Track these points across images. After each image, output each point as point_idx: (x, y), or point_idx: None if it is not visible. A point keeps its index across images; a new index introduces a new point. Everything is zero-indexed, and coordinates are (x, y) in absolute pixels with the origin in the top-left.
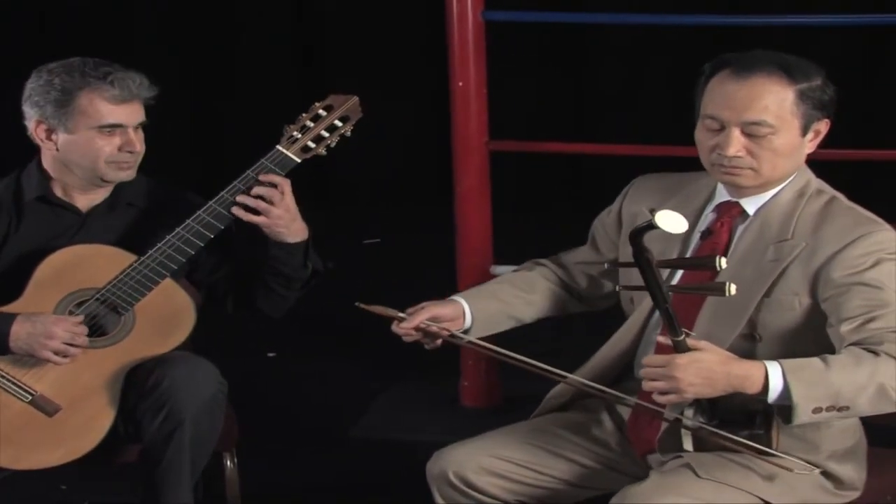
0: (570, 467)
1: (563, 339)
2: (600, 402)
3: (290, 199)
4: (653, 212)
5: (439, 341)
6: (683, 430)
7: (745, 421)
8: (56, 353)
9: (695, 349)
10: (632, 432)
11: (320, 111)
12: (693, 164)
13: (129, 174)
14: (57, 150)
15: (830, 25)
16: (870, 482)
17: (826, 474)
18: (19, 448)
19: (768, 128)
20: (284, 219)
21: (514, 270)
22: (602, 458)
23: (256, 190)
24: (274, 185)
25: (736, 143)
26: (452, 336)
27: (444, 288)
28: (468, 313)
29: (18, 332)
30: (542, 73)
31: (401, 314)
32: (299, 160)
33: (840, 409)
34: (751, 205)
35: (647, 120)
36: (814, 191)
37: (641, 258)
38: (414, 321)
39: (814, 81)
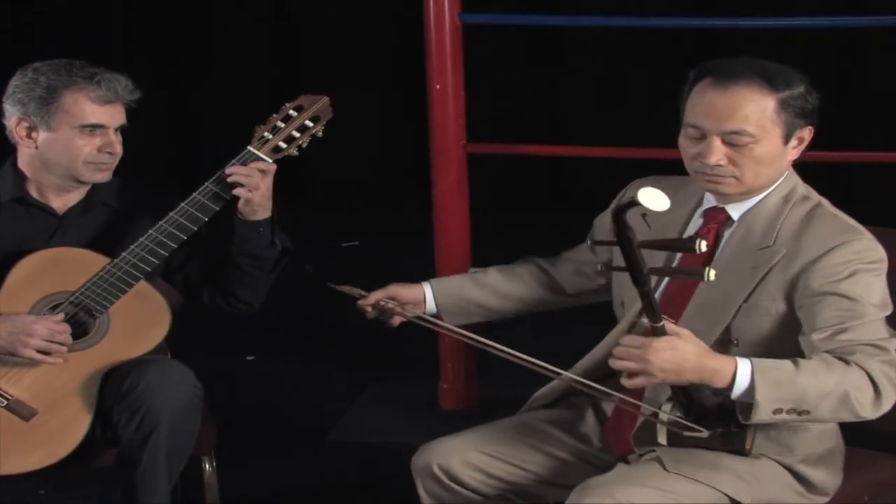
0: (552, 463)
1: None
2: (585, 400)
3: (270, 179)
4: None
5: (397, 319)
6: (658, 424)
7: (721, 419)
8: (39, 351)
9: (673, 335)
10: (611, 432)
11: (291, 111)
12: (671, 166)
13: (105, 176)
14: (36, 147)
15: (806, 28)
16: (846, 482)
17: (797, 477)
18: None
19: (749, 137)
20: (266, 196)
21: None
22: (583, 453)
23: (249, 170)
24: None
25: (717, 153)
26: (420, 318)
27: None
28: (430, 299)
29: None
30: (520, 76)
31: (363, 293)
32: (270, 161)
33: (801, 413)
34: (736, 210)
35: (625, 122)
36: (799, 197)
37: (623, 237)
38: (371, 298)
39: (795, 89)
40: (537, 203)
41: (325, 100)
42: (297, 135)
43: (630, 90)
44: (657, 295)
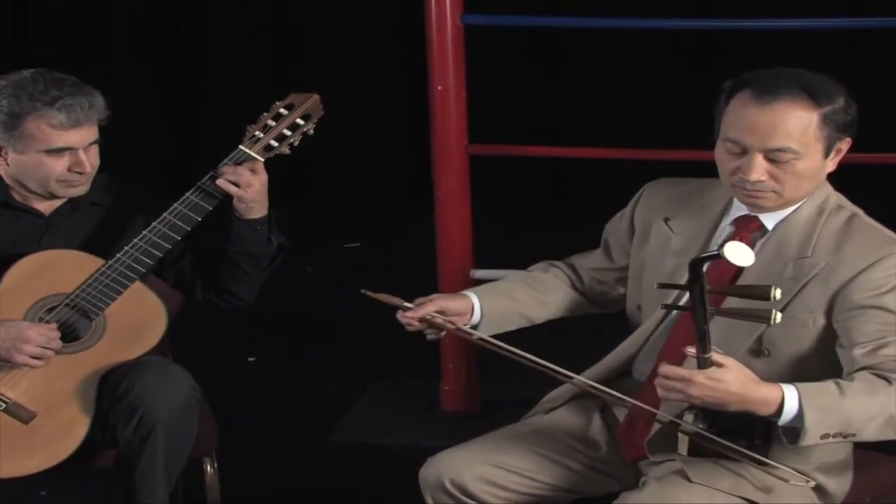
0: (562, 472)
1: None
2: (594, 403)
3: (264, 174)
4: (721, 245)
5: (443, 333)
6: (680, 435)
7: (744, 432)
8: (32, 357)
9: (717, 365)
10: (623, 437)
11: (281, 110)
12: (674, 166)
13: (80, 190)
14: (8, 165)
15: (808, 29)
16: (851, 485)
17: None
18: None
19: (792, 154)
20: (261, 193)
21: (528, 270)
22: (593, 459)
23: (238, 169)
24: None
25: (758, 169)
26: (459, 330)
27: (425, 292)
28: (477, 309)
29: None
30: (522, 77)
31: (407, 304)
32: (262, 159)
33: (847, 436)
34: (770, 220)
35: (626, 123)
36: (833, 206)
37: (696, 285)
38: (420, 311)
39: (836, 103)
40: (539, 204)
41: (316, 97)
42: (289, 133)
43: (631, 91)
44: (682, 302)
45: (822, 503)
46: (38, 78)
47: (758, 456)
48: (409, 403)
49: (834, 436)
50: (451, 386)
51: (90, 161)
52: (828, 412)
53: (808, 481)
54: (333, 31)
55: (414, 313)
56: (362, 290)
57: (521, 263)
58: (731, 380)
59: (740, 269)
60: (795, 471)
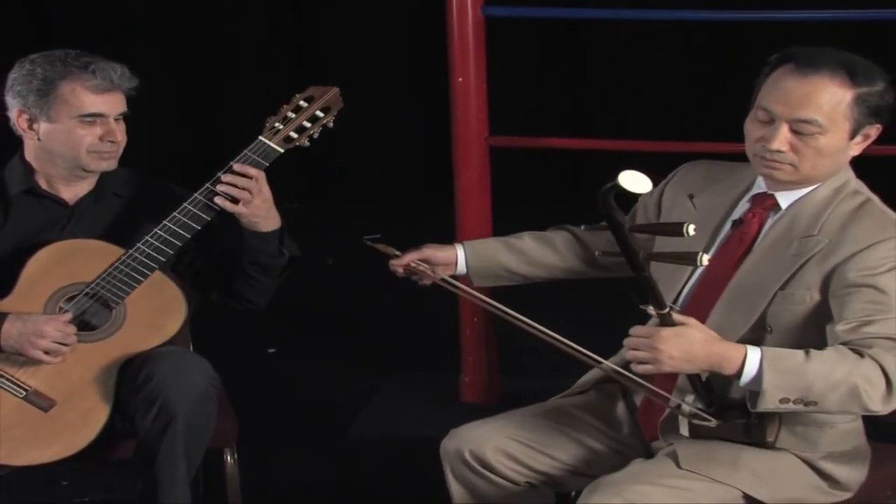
0: (583, 452)
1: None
2: (619, 387)
3: (266, 189)
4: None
5: (427, 281)
6: (680, 416)
7: (743, 410)
8: (46, 352)
9: (680, 324)
10: (642, 417)
11: (301, 102)
12: (691, 158)
13: (110, 164)
14: (39, 139)
15: (828, 20)
16: (870, 477)
17: (820, 473)
18: (14, 444)
19: (817, 127)
20: (262, 208)
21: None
22: (613, 441)
23: (235, 180)
24: (250, 177)
25: (781, 138)
26: (444, 280)
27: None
28: (461, 260)
29: (9, 331)
30: (543, 69)
31: (396, 252)
32: (282, 150)
33: (807, 404)
34: (785, 199)
35: (646, 115)
36: (850, 191)
37: (612, 220)
38: (404, 259)
39: (875, 87)
40: (559, 196)
41: (335, 90)
42: (308, 125)
43: (651, 83)
44: (695, 278)
45: (832, 491)
46: (70, 51)
47: (751, 428)
48: (429, 396)
49: (794, 401)
50: (471, 378)
51: (120, 132)
52: (788, 375)
53: (709, 420)
54: (354, 23)
55: (399, 261)
56: (364, 238)
57: None
58: (694, 334)
59: (751, 245)
60: (801, 458)
